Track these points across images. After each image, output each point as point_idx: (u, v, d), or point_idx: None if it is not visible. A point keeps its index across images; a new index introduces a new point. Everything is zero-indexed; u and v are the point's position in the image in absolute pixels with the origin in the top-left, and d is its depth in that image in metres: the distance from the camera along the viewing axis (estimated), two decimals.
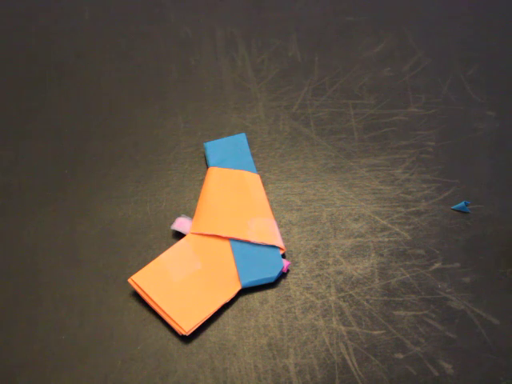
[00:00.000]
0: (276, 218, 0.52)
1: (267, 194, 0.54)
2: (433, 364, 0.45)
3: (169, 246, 0.51)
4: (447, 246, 0.51)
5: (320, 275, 0.49)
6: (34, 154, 0.56)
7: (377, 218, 0.52)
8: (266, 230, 0.50)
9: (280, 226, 0.52)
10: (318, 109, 0.59)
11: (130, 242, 0.51)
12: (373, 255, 0.50)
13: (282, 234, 0.51)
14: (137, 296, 0.48)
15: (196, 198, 0.53)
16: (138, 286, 0.48)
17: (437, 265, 0.50)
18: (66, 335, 0.47)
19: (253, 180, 0.53)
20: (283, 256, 0.50)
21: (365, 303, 0.48)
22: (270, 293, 0.49)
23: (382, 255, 0.50)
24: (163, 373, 0.45)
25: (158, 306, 0.47)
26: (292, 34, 0.65)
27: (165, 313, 0.47)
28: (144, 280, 0.48)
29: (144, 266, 0.49)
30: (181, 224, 0.51)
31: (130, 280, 0.48)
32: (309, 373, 0.45)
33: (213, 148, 0.55)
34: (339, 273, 0.49)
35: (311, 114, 0.58)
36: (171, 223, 0.52)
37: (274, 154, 0.56)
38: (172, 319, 0.46)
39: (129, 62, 0.63)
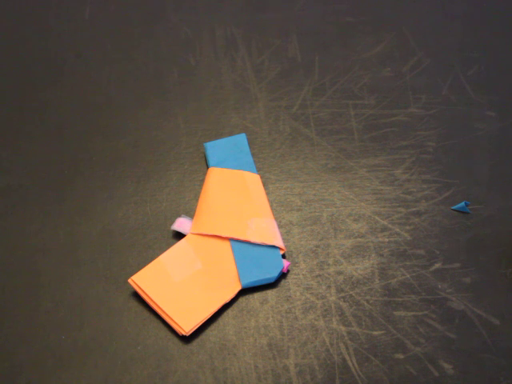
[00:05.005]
0: (276, 218, 0.52)
1: (267, 194, 0.54)
2: (433, 364, 0.45)
3: (169, 246, 0.51)
4: (447, 246, 0.51)
5: (320, 275, 0.49)
6: (34, 154, 0.56)
7: (377, 218, 0.52)
8: (266, 230, 0.50)
9: (280, 226, 0.52)
10: (318, 109, 0.59)
11: (129, 241, 0.51)
12: (373, 255, 0.50)
13: (282, 235, 0.51)
14: (137, 296, 0.48)
15: (196, 198, 0.53)
16: (138, 286, 0.48)
17: (437, 265, 0.50)
18: (66, 335, 0.47)
19: (253, 180, 0.53)
20: (283, 256, 0.50)
21: (365, 303, 0.48)
22: (270, 293, 0.49)
23: (382, 255, 0.50)
24: (163, 373, 0.45)
25: (158, 307, 0.47)
26: (292, 34, 0.65)
27: (165, 313, 0.47)
28: (144, 280, 0.48)
29: (144, 266, 0.49)
30: (181, 224, 0.51)
31: (130, 280, 0.48)
32: (309, 373, 0.45)
33: (213, 148, 0.55)
34: (339, 273, 0.49)
35: (311, 114, 0.58)
36: (171, 223, 0.52)
37: (274, 154, 0.56)
38: (172, 319, 0.46)
39: (129, 61, 0.63)
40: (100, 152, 0.56)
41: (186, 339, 0.47)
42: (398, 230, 0.52)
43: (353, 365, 0.45)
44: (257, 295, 0.49)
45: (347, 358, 0.46)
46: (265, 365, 0.45)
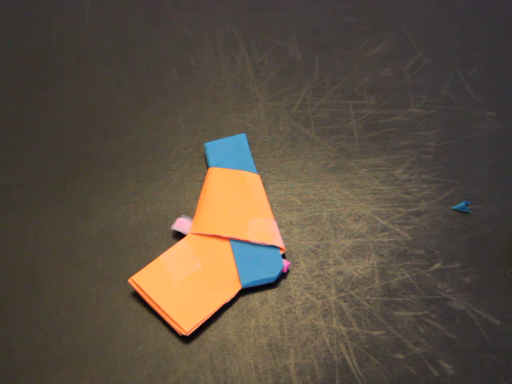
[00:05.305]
0: (276, 218, 0.52)
1: (267, 194, 0.54)
2: (433, 364, 0.45)
3: (169, 246, 0.51)
4: (447, 246, 0.51)
5: (320, 275, 0.49)
6: (34, 154, 0.56)
7: (377, 218, 0.52)
8: (266, 230, 0.50)
9: (280, 226, 0.52)
10: (319, 109, 0.59)
11: (130, 241, 0.51)
12: (373, 255, 0.50)
13: (282, 235, 0.51)
14: (137, 296, 0.48)
15: (196, 198, 0.53)
16: (138, 286, 0.48)
17: (437, 265, 0.50)
18: (66, 335, 0.47)
19: (253, 180, 0.53)
20: (283, 256, 0.50)
21: (365, 303, 0.48)
22: (270, 293, 0.49)
23: (382, 255, 0.50)
24: (163, 373, 0.45)
25: (158, 307, 0.47)
26: (292, 34, 0.65)
27: (165, 313, 0.47)
28: (144, 280, 0.48)
29: (144, 266, 0.49)
30: (181, 224, 0.51)
31: (130, 280, 0.48)
32: (309, 373, 0.45)
33: (213, 148, 0.55)
34: (339, 273, 0.49)
35: (311, 114, 0.58)
36: (171, 223, 0.52)
37: (274, 154, 0.56)
38: (172, 319, 0.46)
39: (129, 62, 0.63)
40: (100, 152, 0.56)
41: (186, 339, 0.47)
42: (398, 229, 0.51)
43: (353, 365, 0.45)
44: (257, 295, 0.49)
45: (347, 357, 0.46)
46: (265, 365, 0.45)
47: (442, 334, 0.46)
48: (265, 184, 0.54)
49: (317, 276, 0.49)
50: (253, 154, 0.56)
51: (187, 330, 0.46)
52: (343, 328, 0.47)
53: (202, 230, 0.50)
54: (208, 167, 0.54)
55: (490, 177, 0.54)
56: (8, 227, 0.52)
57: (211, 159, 0.54)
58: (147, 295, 0.47)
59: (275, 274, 0.48)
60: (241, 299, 0.48)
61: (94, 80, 0.61)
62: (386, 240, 0.51)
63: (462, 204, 0.52)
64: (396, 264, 0.50)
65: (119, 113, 0.59)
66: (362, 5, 0.67)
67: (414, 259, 0.50)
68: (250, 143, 0.56)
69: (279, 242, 0.50)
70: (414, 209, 0.53)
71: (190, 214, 0.52)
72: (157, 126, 0.58)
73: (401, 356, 0.46)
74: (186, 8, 0.67)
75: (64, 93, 0.60)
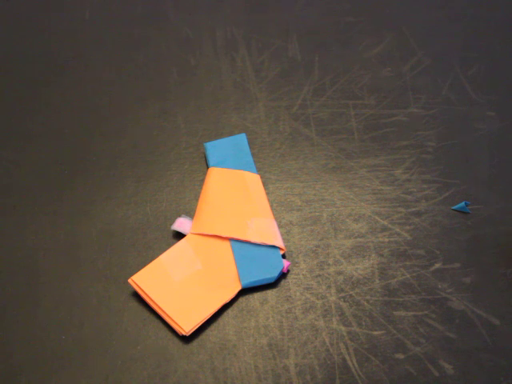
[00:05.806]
0: (276, 218, 0.52)
1: (267, 194, 0.54)
2: (433, 364, 0.45)
3: (169, 246, 0.51)
4: (447, 246, 0.51)
5: (320, 275, 0.49)
6: (34, 154, 0.56)
7: (377, 218, 0.52)
8: (266, 230, 0.50)
9: (280, 226, 0.52)
10: (318, 109, 0.59)
11: (130, 242, 0.51)
12: (373, 255, 0.50)
13: (282, 235, 0.51)
14: (137, 296, 0.48)
15: (196, 198, 0.53)
16: (138, 286, 0.48)
17: (437, 265, 0.50)
18: (66, 335, 0.47)
19: (253, 180, 0.53)
20: (283, 256, 0.50)
21: (365, 303, 0.48)
22: (270, 293, 0.49)
23: (382, 255, 0.50)
24: (163, 373, 0.45)
25: (158, 307, 0.47)
26: (292, 34, 0.65)
27: (165, 313, 0.47)
28: (144, 280, 0.48)
29: (144, 266, 0.49)
30: (181, 224, 0.51)
31: (130, 280, 0.48)
32: (309, 373, 0.45)
33: (213, 148, 0.55)
34: (339, 273, 0.49)
35: (311, 114, 0.58)
36: (171, 223, 0.52)
37: (274, 155, 0.56)
38: (172, 319, 0.46)
39: (129, 62, 0.63)
40: (100, 152, 0.56)
41: (186, 339, 0.47)
42: (398, 229, 0.51)
43: (353, 365, 0.45)
44: (257, 295, 0.49)
45: (347, 357, 0.46)
46: (265, 365, 0.45)
47: (441, 334, 0.46)
48: (265, 184, 0.54)
49: (317, 276, 0.49)
50: (253, 154, 0.56)
51: (187, 330, 0.46)
52: (343, 328, 0.47)
53: (202, 230, 0.50)
54: (208, 167, 0.54)
55: (489, 177, 0.54)
56: (8, 227, 0.52)
57: (211, 159, 0.54)
58: (147, 295, 0.47)
59: (275, 274, 0.48)
60: (241, 299, 0.48)
61: (94, 80, 0.61)
62: (386, 240, 0.51)
63: (462, 204, 0.52)
64: (396, 264, 0.50)
65: (119, 113, 0.59)
66: (361, 5, 0.67)
67: (414, 259, 0.50)
68: (250, 143, 0.56)
69: (279, 242, 0.50)
70: (413, 209, 0.53)
71: (190, 214, 0.52)
72: (157, 126, 0.58)
73: (401, 356, 0.46)
74: (186, 8, 0.67)
75: (64, 92, 0.60)
